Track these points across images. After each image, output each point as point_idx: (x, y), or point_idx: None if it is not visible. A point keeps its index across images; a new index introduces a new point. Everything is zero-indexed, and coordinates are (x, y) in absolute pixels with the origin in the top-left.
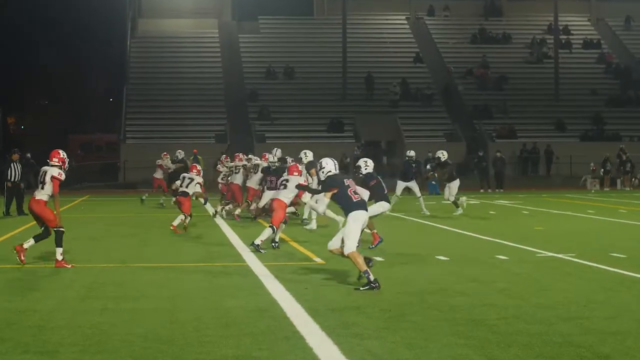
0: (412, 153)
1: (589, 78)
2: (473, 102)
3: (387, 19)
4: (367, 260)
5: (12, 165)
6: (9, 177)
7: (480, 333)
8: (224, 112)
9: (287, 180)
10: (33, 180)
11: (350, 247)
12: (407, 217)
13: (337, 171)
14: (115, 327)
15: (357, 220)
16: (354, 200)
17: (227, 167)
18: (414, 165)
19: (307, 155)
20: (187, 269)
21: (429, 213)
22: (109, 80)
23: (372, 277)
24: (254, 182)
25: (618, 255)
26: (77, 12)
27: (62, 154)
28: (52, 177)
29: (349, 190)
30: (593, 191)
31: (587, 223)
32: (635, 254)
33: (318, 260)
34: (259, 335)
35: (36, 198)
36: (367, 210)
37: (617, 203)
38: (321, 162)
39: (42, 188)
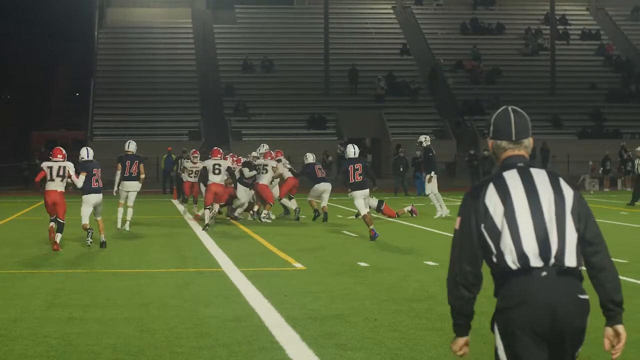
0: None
1: (588, 71)
2: (463, 96)
3: (371, 9)
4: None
5: None
6: None
7: (471, 344)
8: (198, 108)
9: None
10: None
11: None
12: (393, 220)
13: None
14: (83, 337)
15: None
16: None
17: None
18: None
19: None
20: (158, 275)
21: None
22: (75, 74)
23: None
24: (265, 181)
25: (619, 260)
26: (40, 0)
27: (63, 150)
28: (69, 171)
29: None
30: (592, 192)
31: None
32: (638, 259)
33: (298, 265)
34: (235, 346)
35: (58, 191)
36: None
37: (618, 204)
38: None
39: (62, 181)
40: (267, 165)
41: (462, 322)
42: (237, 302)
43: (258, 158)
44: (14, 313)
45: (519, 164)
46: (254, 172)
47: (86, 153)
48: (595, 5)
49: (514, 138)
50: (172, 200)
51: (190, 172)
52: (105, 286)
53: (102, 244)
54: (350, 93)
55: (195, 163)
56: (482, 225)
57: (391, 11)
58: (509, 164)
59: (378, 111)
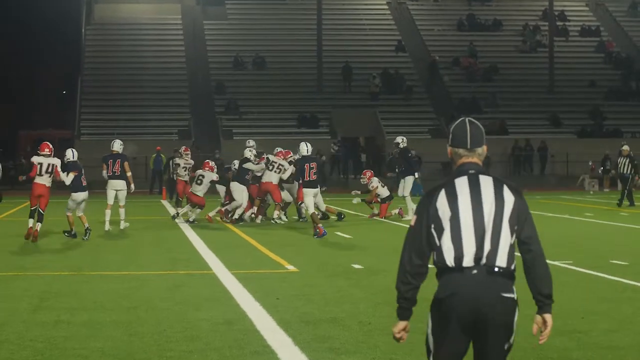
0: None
1: (587, 68)
2: (460, 94)
3: (366, 4)
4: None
5: None
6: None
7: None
8: (188, 106)
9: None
10: None
11: None
12: (387, 221)
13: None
14: (70, 341)
15: None
16: None
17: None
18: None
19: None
20: (148, 278)
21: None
22: (62, 71)
23: None
24: (274, 180)
25: (619, 262)
26: None
27: (50, 145)
28: (56, 167)
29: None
30: (591, 192)
31: (585, 227)
32: (638, 261)
33: (291, 267)
34: (226, 350)
35: (46, 185)
36: None
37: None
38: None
39: (50, 177)
40: (282, 165)
41: (405, 306)
42: (228, 305)
43: (261, 154)
44: (0, 316)
45: (470, 171)
46: (262, 167)
47: (71, 154)
48: (595, 1)
49: (469, 146)
50: (161, 201)
51: (183, 168)
52: (93, 289)
53: (87, 230)
54: (343, 91)
55: (187, 160)
56: (432, 226)
57: (386, 7)
58: (462, 171)
59: (372, 109)
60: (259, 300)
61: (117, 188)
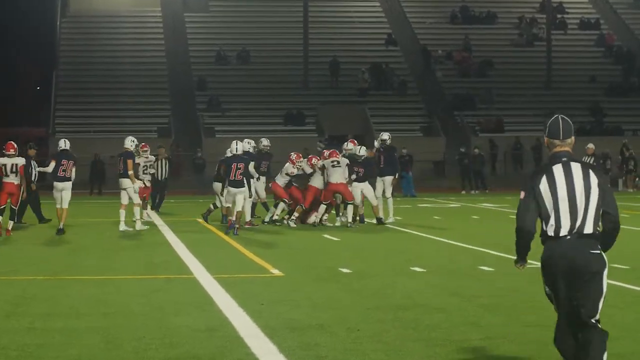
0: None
1: (587, 63)
2: (453, 90)
3: None
4: None
5: (30, 163)
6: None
7: (461, 356)
8: (168, 102)
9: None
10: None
11: None
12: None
13: None
14: (44, 348)
15: None
16: None
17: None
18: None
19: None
20: (125, 282)
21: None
22: (36, 66)
23: None
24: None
25: (619, 266)
26: None
27: (15, 144)
28: (21, 166)
29: None
30: None
31: None
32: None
33: (275, 272)
34: (208, 358)
35: (15, 183)
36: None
37: (619, 206)
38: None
39: (16, 176)
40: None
41: (522, 255)
42: (210, 311)
43: (267, 148)
44: None
45: (563, 159)
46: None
47: (63, 144)
48: None
49: (561, 137)
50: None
51: (144, 167)
52: (68, 294)
53: (59, 231)
54: (331, 86)
55: (147, 158)
56: (538, 202)
57: None
58: (556, 157)
59: (361, 106)
60: (242, 305)
61: (125, 187)
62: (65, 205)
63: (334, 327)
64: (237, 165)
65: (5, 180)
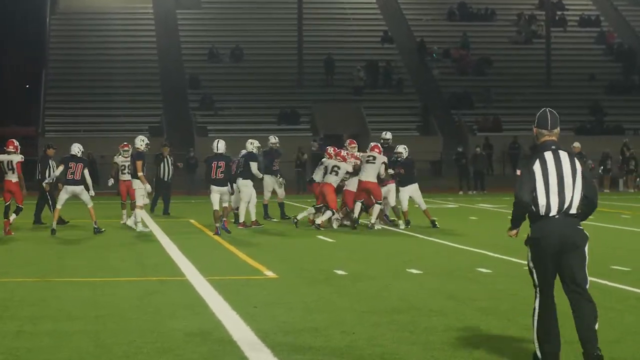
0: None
1: (587, 61)
2: (450, 88)
3: None
4: None
5: (49, 162)
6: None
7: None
8: (160, 101)
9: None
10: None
11: None
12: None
13: None
14: (33, 352)
15: None
16: None
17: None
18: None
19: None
20: (117, 284)
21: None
22: (25, 64)
23: None
24: (333, 181)
25: (620, 268)
26: None
27: (16, 142)
28: (18, 162)
29: None
30: None
31: None
32: None
33: (269, 274)
34: None
35: (13, 181)
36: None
37: (619, 207)
38: None
39: (13, 173)
40: (338, 167)
41: (517, 223)
42: (203, 314)
43: (275, 145)
44: None
45: (552, 147)
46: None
47: (75, 149)
48: None
49: (549, 128)
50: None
51: (122, 167)
52: (58, 296)
53: (53, 231)
54: (326, 84)
55: (126, 157)
56: (533, 180)
57: None
58: (546, 146)
59: (356, 104)
60: (235, 308)
61: (134, 187)
62: (89, 205)
63: (328, 330)
64: (217, 164)
65: (6, 178)
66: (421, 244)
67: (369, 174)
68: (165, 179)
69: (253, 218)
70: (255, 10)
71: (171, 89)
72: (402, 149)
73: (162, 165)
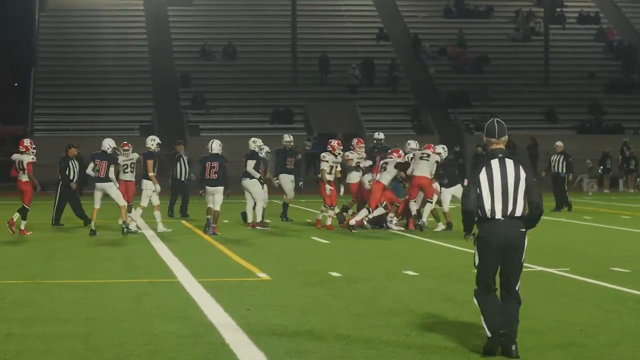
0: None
1: (586, 59)
2: (447, 87)
3: None
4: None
5: (69, 163)
6: (70, 177)
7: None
8: (151, 100)
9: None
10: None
11: None
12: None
13: None
14: (22, 355)
15: None
16: None
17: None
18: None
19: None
20: (107, 286)
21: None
22: (14, 62)
23: None
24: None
25: (620, 269)
26: None
27: (26, 141)
28: (29, 163)
29: None
30: (590, 193)
31: (583, 231)
32: None
33: (263, 275)
34: None
35: (22, 180)
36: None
37: (619, 207)
38: None
39: (24, 173)
40: (387, 163)
41: (468, 229)
42: (195, 317)
43: (290, 144)
44: None
45: (499, 155)
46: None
47: (105, 145)
48: None
49: (497, 137)
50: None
51: (124, 166)
52: (48, 298)
53: (92, 231)
54: (320, 83)
55: (126, 157)
56: (477, 189)
57: None
58: (494, 154)
59: (352, 103)
60: (228, 311)
61: (144, 188)
62: (121, 204)
63: (323, 333)
64: (211, 164)
65: (18, 177)
66: (417, 245)
67: (424, 170)
68: (182, 179)
69: (259, 219)
70: (248, 7)
71: (162, 87)
72: (441, 149)
73: (178, 164)
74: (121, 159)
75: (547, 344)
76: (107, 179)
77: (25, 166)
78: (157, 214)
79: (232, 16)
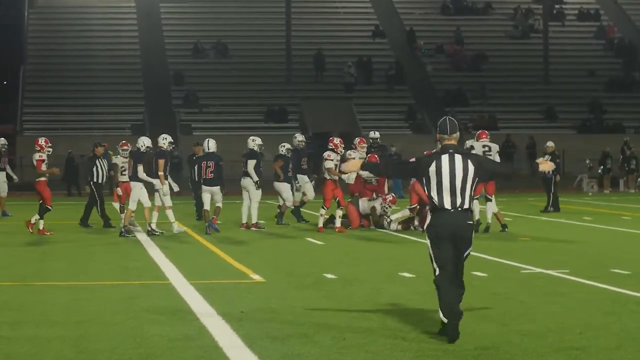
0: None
1: (586, 56)
2: (444, 85)
3: None
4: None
5: (97, 161)
6: (95, 178)
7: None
8: (142, 98)
9: None
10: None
11: None
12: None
13: None
14: (12, 358)
15: None
16: None
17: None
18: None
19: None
20: (98, 288)
21: None
22: (3, 60)
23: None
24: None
25: (620, 271)
26: None
27: (40, 140)
28: (37, 160)
29: None
30: (590, 194)
31: (582, 232)
32: None
33: (256, 277)
34: None
35: (37, 180)
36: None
37: (619, 208)
38: None
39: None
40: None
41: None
42: (187, 319)
43: (302, 143)
44: None
45: (450, 150)
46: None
47: (140, 143)
48: None
49: (448, 133)
50: (113, 204)
51: (122, 167)
52: (38, 300)
53: (121, 231)
54: (315, 81)
55: (126, 157)
56: (424, 180)
57: None
58: (445, 149)
59: (347, 101)
60: (221, 313)
61: (154, 188)
62: (146, 205)
63: (318, 336)
64: (206, 164)
65: (35, 179)
66: (413, 246)
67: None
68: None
69: (254, 220)
70: (242, 4)
71: (154, 85)
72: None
73: (196, 166)
74: (121, 160)
75: (546, 346)
76: (135, 179)
77: (36, 164)
78: (169, 213)
79: (225, 13)
